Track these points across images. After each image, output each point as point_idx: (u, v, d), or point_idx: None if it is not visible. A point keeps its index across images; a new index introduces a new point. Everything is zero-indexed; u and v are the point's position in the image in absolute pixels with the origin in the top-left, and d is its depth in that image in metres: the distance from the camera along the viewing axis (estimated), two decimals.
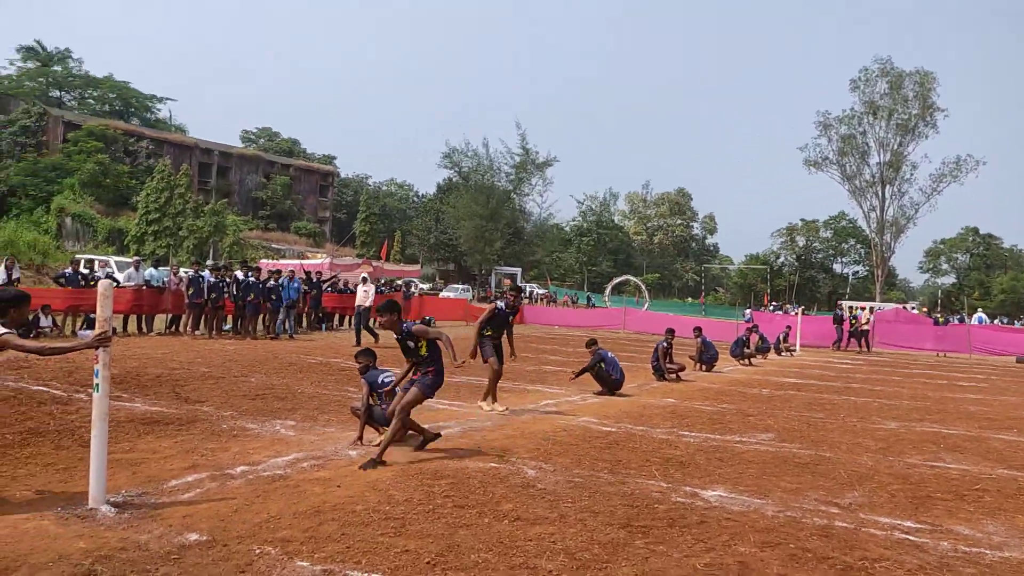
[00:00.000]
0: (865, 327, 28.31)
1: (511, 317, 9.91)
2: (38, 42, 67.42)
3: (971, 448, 8.63)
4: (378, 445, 6.54)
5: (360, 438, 7.12)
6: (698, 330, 16.92)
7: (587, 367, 11.93)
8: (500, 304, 9.78)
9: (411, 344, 7.03)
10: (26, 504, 4.87)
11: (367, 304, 18.32)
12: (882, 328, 30.53)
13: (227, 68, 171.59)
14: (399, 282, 33.00)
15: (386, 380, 7.48)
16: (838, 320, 29.21)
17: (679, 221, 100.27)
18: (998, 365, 23.93)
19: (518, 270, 64.48)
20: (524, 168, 60.69)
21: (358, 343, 17.20)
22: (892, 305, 51.50)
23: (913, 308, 51.55)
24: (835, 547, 4.78)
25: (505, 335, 9.85)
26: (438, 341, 7.14)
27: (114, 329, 16.21)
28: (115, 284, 17.16)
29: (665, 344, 14.38)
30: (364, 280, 19.75)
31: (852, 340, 27.97)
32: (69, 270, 17.57)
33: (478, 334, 9.58)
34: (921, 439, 9.10)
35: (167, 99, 77.43)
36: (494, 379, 9.55)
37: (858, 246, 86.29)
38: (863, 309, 31.75)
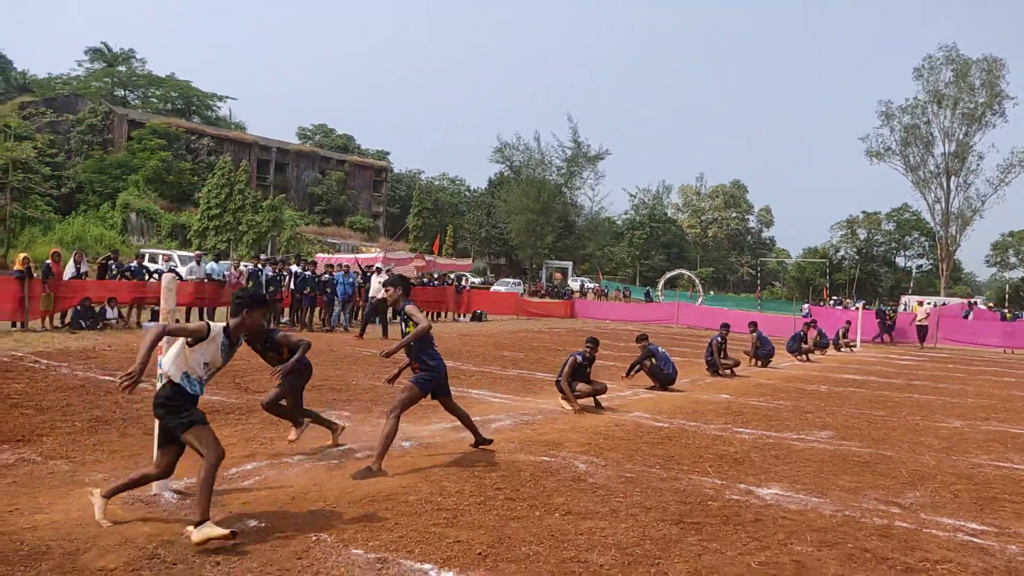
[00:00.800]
0: (923, 321, 27.51)
1: (588, 368, 9.77)
2: (104, 43, 69.80)
3: None
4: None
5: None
6: (753, 325, 16.63)
7: (636, 361, 11.84)
8: (578, 356, 9.62)
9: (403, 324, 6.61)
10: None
11: (380, 296, 17.59)
12: (947, 323, 29.52)
13: (284, 66, 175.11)
14: (451, 276, 33.19)
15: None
16: (880, 315, 29.23)
17: (734, 214, 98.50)
18: None
19: (569, 264, 64.24)
20: (576, 161, 60.40)
21: (362, 335, 17.36)
22: (957, 300, 49.71)
23: (978, 303, 49.71)
24: (895, 548, 4.66)
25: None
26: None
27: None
28: (178, 278, 17.71)
29: (719, 339, 14.17)
30: (378, 271, 19.09)
31: (887, 335, 28.15)
32: (134, 264, 18.16)
33: (568, 388, 9.38)
34: (987, 438, 8.79)
35: (227, 97, 79.38)
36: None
37: (922, 239, 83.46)
38: (920, 304, 30.89)
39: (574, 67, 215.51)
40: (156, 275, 18.05)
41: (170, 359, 4.69)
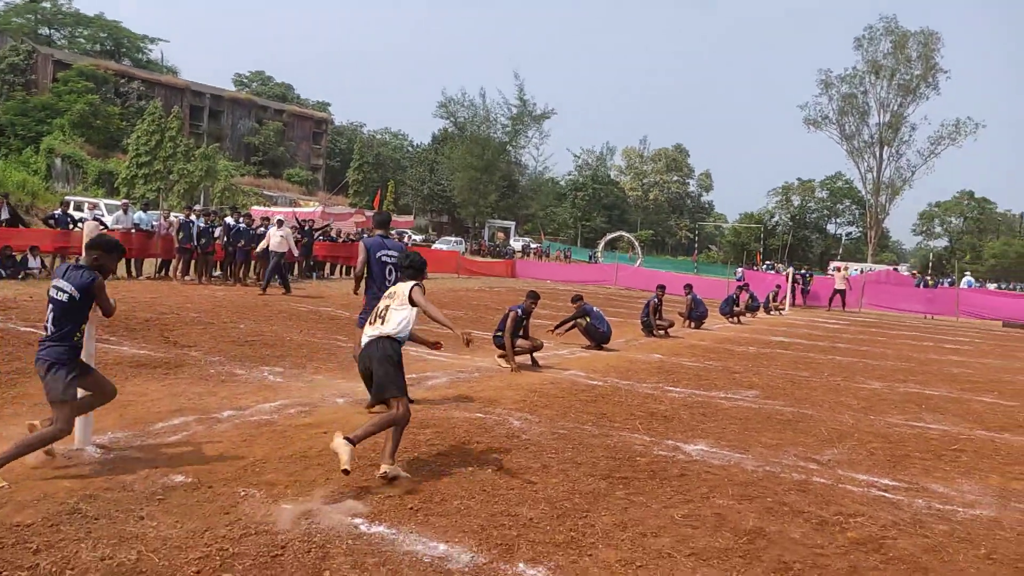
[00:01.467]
0: (842, 285, 28.45)
1: (526, 322, 9.83)
2: None
3: (952, 409, 8.75)
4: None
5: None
6: (688, 287, 16.98)
7: (569, 318, 11.99)
8: (518, 309, 9.65)
9: None
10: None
11: (282, 251, 16.87)
12: (871, 289, 30.69)
13: (220, 8, 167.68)
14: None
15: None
16: (796, 280, 29.31)
17: (675, 178, 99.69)
18: (983, 329, 24.14)
19: (512, 224, 64.29)
20: (521, 120, 60.08)
21: (264, 290, 16.24)
22: (883, 267, 51.69)
23: (902, 270, 51.82)
24: (812, 501, 4.88)
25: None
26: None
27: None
28: (103, 227, 17.04)
29: (655, 300, 14.44)
30: (280, 223, 17.79)
31: (804, 296, 28.64)
32: (59, 211, 17.41)
33: (511, 343, 9.41)
34: (903, 399, 9.22)
35: (159, 39, 75.87)
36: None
37: (853, 207, 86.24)
38: (838, 269, 31.82)
39: (522, 23, 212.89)
40: (80, 224, 17.33)
41: None
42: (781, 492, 5.04)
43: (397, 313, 5.12)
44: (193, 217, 17.69)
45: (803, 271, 32.35)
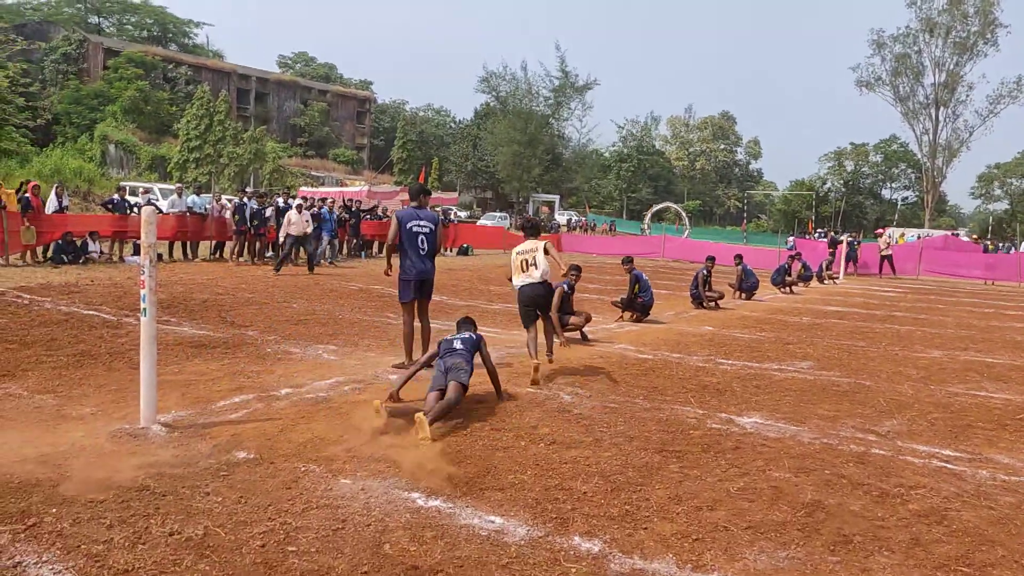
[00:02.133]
0: (886, 251, 27.60)
1: (571, 296, 9.83)
2: None
3: (1015, 377, 8.49)
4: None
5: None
6: (739, 257, 16.71)
7: (629, 298, 11.90)
8: (564, 285, 9.56)
9: None
10: (82, 423, 5.10)
11: (298, 234, 16.60)
12: (929, 255, 29.79)
13: None
14: (437, 209, 32.96)
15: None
16: (833, 244, 28.20)
17: (722, 146, 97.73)
18: None
19: (556, 197, 63.88)
20: (563, 92, 59.38)
21: (278, 270, 15.93)
22: (941, 232, 50.05)
23: (961, 235, 50.14)
24: (871, 474, 4.79)
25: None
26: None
27: (160, 255, 16.65)
28: (159, 211, 17.48)
29: (705, 272, 14.24)
30: (299, 208, 17.36)
31: (851, 264, 26.99)
32: (116, 196, 17.90)
33: (558, 320, 9.31)
34: (964, 368, 8.97)
35: (203, 23, 77.18)
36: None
37: (908, 171, 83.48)
38: (880, 235, 30.70)
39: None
40: (137, 208, 17.80)
41: None
42: (839, 464, 4.96)
43: (541, 263, 7.46)
44: (246, 200, 18.02)
45: (850, 238, 31.09)
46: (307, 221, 16.89)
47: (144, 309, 5.06)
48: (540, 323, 7.75)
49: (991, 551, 3.73)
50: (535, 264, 7.47)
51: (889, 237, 31.30)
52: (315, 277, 15.72)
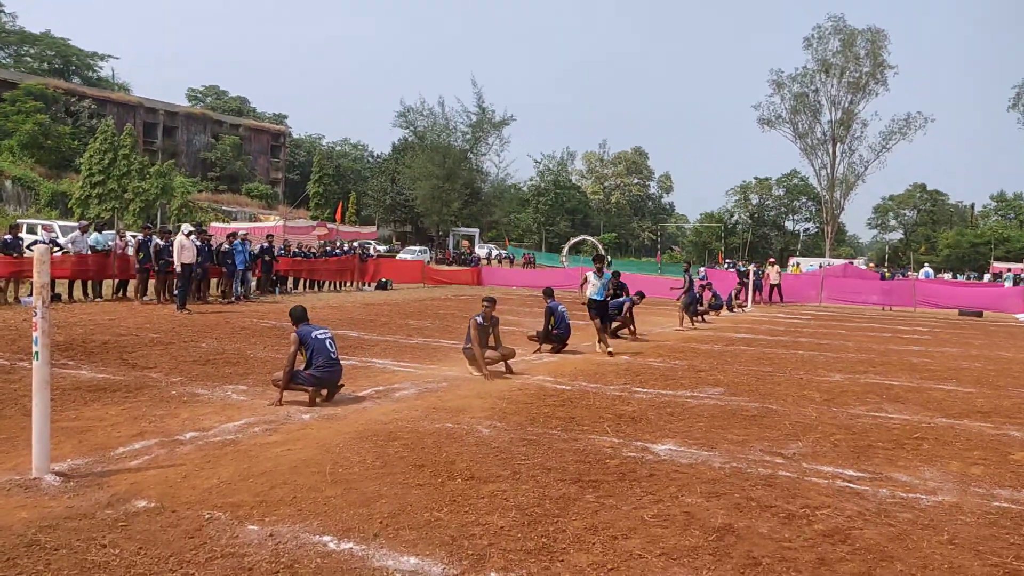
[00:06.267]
0: (774, 281, 28.69)
1: (492, 330, 9.80)
2: None
3: (912, 398, 8.95)
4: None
5: (280, 400, 7.11)
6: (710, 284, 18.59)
7: (545, 331, 12.05)
8: (477, 318, 9.50)
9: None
10: None
11: (191, 262, 16.19)
12: (830, 283, 31.25)
13: (172, 23, 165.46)
14: (355, 244, 32.60)
15: (319, 336, 7.36)
16: (742, 275, 28.59)
17: (636, 180, 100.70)
18: (940, 318, 24.73)
19: (476, 231, 64.21)
20: (481, 127, 60.05)
21: (183, 307, 15.46)
22: (840, 261, 52.66)
23: (859, 263, 52.91)
24: (778, 496, 4.94)
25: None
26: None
27: (59, 295, 15.81)
28: (56, 249, 16.65)
29: (631, 303, 14.84)
30: (189, 234, 16.91)
31: (757, 293, 27.56)
32: (8, 236, 16.94)
33: (480, 354, 9.39)
34: (865, 390, 9.40)
35: (109, 56, 74.64)
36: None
37: (809, 203, 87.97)
38: (771, 264, 32.00)
39: (478, 33, 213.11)
40: (31, 247, 16.89)
41: None
42: (748, 488, 5.09)
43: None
44: (152, 236, 17.37)
45: (755, 268, 32.06)
46: (192, 247, 16.32)
47: (36, 353, 4.78)
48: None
49: (891, 566, 3.89)
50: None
51: (777, 267, 32.31)
52: (225, 315, 15.22)
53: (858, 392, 9.27)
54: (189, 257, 16.21)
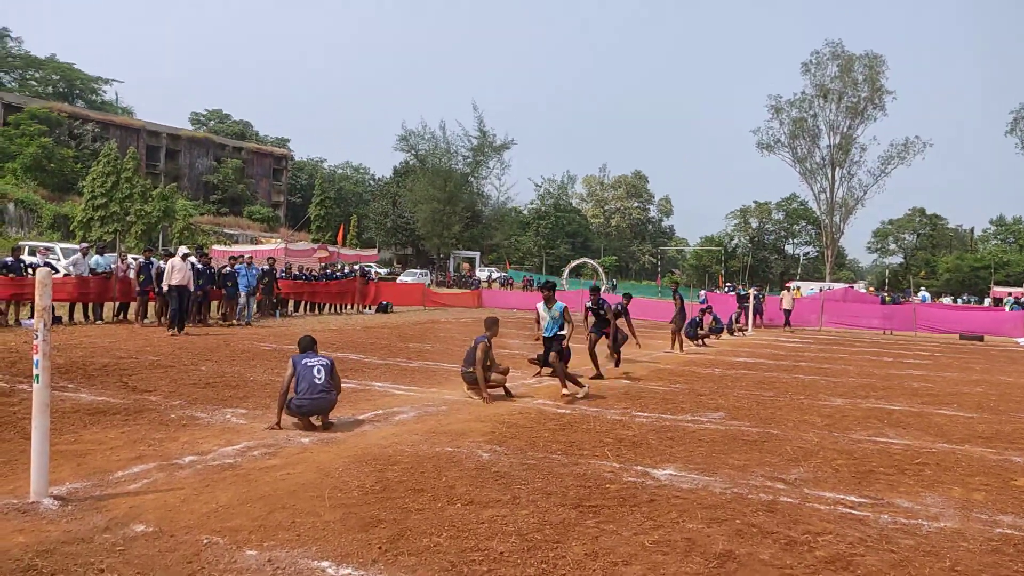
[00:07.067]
0: (786, 306, 28.58)
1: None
2: None
3: (913, 423, 8.92)
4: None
5: (278, 423, 7.10)
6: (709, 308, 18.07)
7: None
8: (484, 339, 9.45)
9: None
10: None
11: (184, 285, 15.88)
12: (831, 307, 31.25)
13: (176, 48, 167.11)
14: (356, 267, 32.63)
15: (308, 364, 7.26)
16: (741, 299, 28.50)
17: (636, 204, 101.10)
18: (941, 342, 24.71)
19: (476, 254, 64.33)
20: (481, 151, 60.39)
21: (180, 330, 15.39)
22: (841, 285, 52.68)
23: (859, 287, 52.92)
24: (780, 522, 4.91)
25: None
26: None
27: (60, 318, 15.80)
28: (55, 273, 16.68)
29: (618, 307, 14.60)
30: (184, 256, 16.62)
31: (757, 317, 27.56)
32: (10, 258, 16.99)
33: (483, 377, 9.41)
34: (866, 415, 9.37)
35: (113, 80, 75.36)
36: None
37: (809, 227, 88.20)
38: (787, 289, 31.90)
39: (480, 56, 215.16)
40: (32, 269, 16.92)
41: None
42: (749, 513, 5.07)
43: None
44: (154, 259, 17.42)
45: (756, 292, 31.62)
46: (185, 270, 15.97)
47: (37, 376, 4.79)
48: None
49: None
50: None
51: (789, 292, 32.29)
52: (225, 338, 15.22)
53: (859, 417, 9.24)
54: (182, 279, 15.90)
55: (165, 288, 16.00)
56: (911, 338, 26.28)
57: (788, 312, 28.21)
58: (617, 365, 12.82)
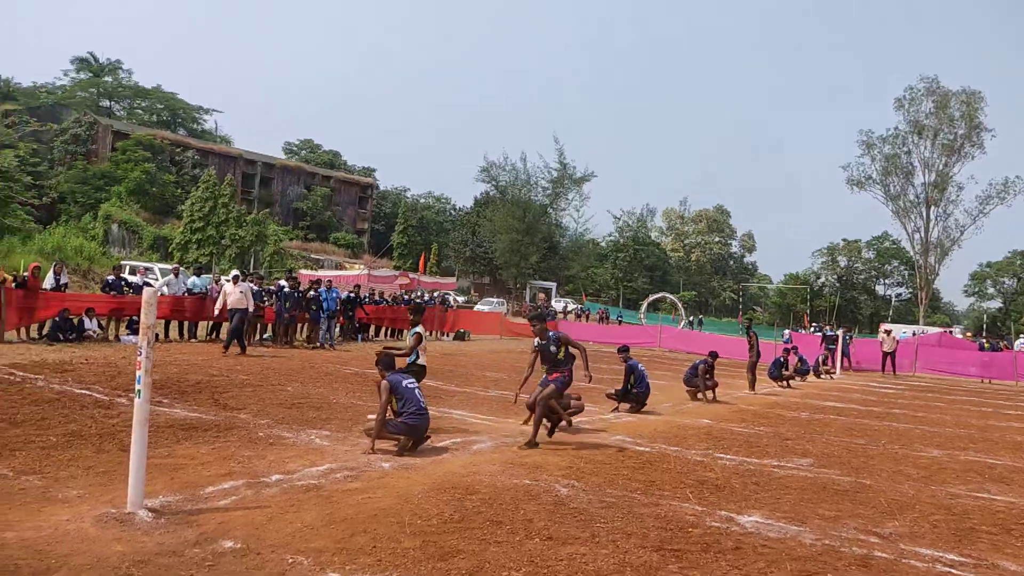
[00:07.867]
0: (887, 349, 27.28)
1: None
2: (91, 54, 69.56)
3: (1018, 479, 8.36)
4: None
5: (372, 447, 7.22)
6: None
7: (624, 389, 11.88)
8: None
9: (553, 349, 8.62)
10: (67, 506, 4.98)
11: (241, 307, 15.95)
12: (925, 352, 29.79)
13: (272, 81, 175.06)
14: (436, 295, 33.13)
15: (409, 386, 7.49)
16: (829, 341, 26.33)
17: (717, 239, 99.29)
18: None
19: (553, 284, 64.35)
20: (561, 183, 60.63)
21: (227, 349, 15.45)
22: (935, 329, 50.29)
23: (955, 332, 50.29)
24: None
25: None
26: (575, 350, 8.79)
27: (157, 335, 16.57)
28: (160, 291, 17.52)
29: (705, 364, 14.21)
30: (236, 279, 16.64)
31: (846, 359, 26.18)
32: (111, 276, 17.97)
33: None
34: (965, 468, 8.84)
35: (213, 110, 79.52)
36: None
37: (901, 268, 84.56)
38: (888, 332, 30.25)
39: (563, 88, 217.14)
40: (130, 287, 17.84)
41: None
42: (842, 568, 4.82)
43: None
44: (249, 282, 18.12)
45: (845, 333, 29.88)
46: (242, 294, 16.10)
47: (138, 391, 5.02)
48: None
49: None
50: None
51: (894, 335, 30.34)
52: (310, 360, 15.63)
53: (958, 470, 8.73)
54: (236, 301, 15.99)
55: (216, 312, 16.70)
56: (1012, 387, 24.77)
57: (887, 355, 26.94)
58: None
